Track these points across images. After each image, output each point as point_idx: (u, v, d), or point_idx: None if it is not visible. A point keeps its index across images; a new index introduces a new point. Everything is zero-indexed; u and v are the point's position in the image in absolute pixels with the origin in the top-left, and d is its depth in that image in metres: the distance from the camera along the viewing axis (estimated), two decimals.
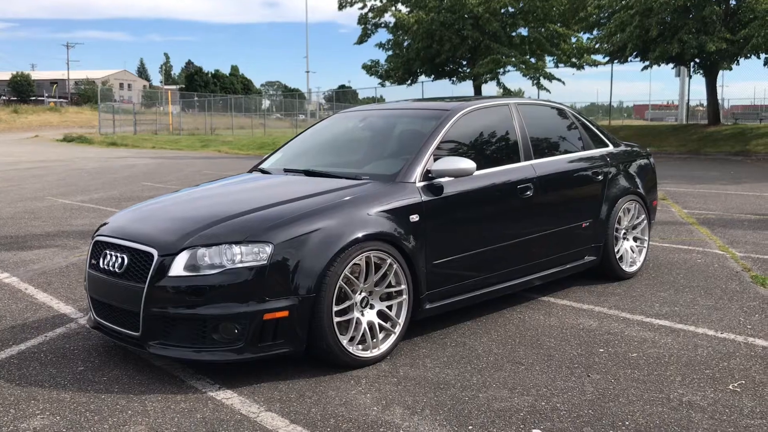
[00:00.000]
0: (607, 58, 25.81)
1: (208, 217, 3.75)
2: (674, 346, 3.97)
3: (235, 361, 3.48)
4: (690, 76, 29.02)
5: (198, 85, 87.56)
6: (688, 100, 32.02)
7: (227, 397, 3.34)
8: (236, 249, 3.46)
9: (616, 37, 22.78)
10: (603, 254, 5.33)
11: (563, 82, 28.18)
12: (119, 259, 3.68)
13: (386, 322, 3.83)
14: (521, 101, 5.29)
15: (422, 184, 4.13)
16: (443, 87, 31.92)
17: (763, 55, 21.45)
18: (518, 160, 4.75)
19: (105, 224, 4.14)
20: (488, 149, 4.83)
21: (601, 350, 3.92)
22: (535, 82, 26.88)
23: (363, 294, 3.75)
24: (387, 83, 30.69)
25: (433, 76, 29.57)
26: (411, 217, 3.97)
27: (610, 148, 5.67)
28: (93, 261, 3.91)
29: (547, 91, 27.17)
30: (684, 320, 4.43)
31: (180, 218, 3.91)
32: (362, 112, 5.46)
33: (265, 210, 3.77)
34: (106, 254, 3.79)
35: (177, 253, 3.49)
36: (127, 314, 3.62)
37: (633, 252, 5.61)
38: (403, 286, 3.87)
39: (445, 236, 4.15)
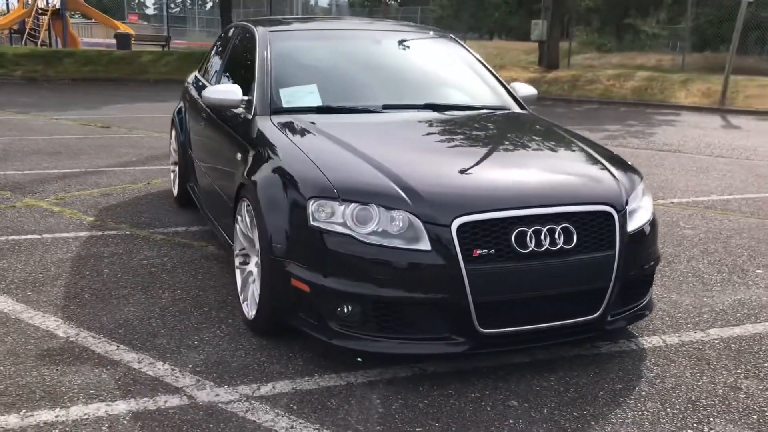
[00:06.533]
0: None
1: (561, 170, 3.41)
2: (719, 225, 5.39)
3: None
4: None
5: None
6: None
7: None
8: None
9: None
10: None
11: None
12: (561, 233, 2.88)
13: None
14: None
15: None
16: None
17: None
18: None
19: (414, 196, 2.86)
20: None
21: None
22: None
23: None
24: None
25: None
26: None
27: None
28: (492, 250, 2.80)
29: None
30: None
31: (540, 175, 3.25)
32: (357, 31, 4.86)
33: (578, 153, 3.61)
34: (523, 232, 2.82)
35: (627, 205, 3.14)
36: (580, 297, 3.00)
37: None
38: None
39: None
